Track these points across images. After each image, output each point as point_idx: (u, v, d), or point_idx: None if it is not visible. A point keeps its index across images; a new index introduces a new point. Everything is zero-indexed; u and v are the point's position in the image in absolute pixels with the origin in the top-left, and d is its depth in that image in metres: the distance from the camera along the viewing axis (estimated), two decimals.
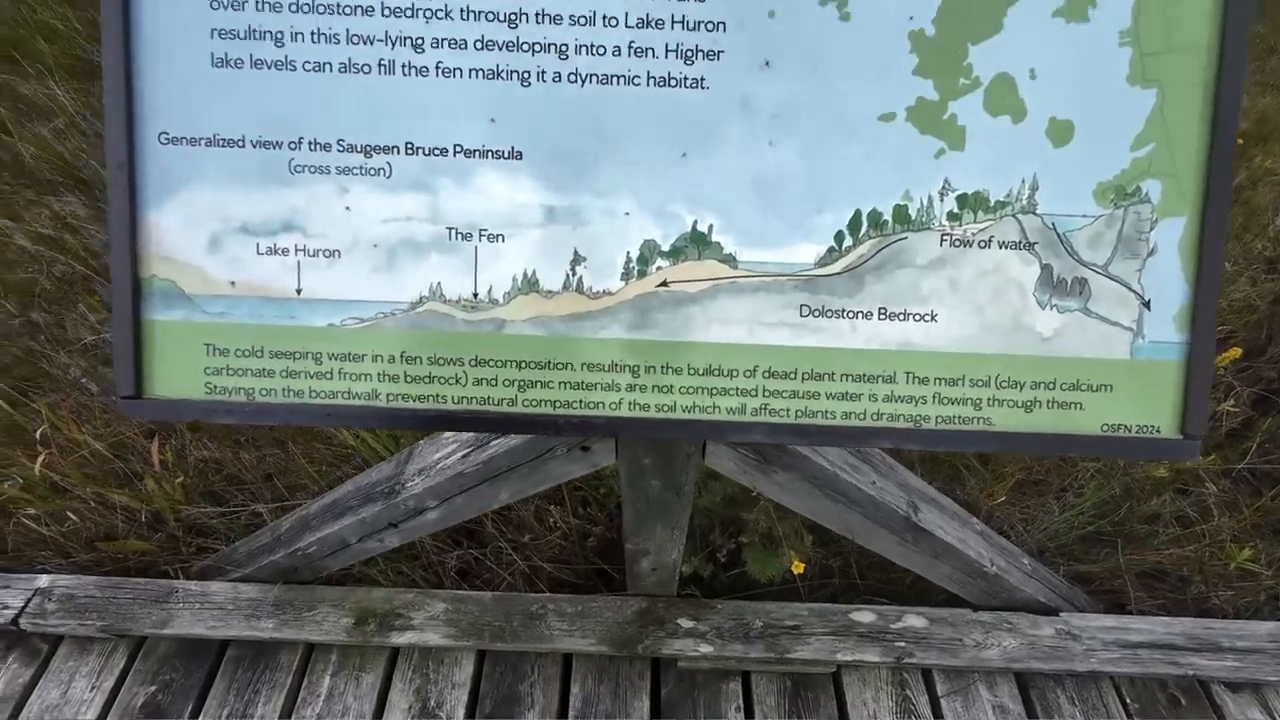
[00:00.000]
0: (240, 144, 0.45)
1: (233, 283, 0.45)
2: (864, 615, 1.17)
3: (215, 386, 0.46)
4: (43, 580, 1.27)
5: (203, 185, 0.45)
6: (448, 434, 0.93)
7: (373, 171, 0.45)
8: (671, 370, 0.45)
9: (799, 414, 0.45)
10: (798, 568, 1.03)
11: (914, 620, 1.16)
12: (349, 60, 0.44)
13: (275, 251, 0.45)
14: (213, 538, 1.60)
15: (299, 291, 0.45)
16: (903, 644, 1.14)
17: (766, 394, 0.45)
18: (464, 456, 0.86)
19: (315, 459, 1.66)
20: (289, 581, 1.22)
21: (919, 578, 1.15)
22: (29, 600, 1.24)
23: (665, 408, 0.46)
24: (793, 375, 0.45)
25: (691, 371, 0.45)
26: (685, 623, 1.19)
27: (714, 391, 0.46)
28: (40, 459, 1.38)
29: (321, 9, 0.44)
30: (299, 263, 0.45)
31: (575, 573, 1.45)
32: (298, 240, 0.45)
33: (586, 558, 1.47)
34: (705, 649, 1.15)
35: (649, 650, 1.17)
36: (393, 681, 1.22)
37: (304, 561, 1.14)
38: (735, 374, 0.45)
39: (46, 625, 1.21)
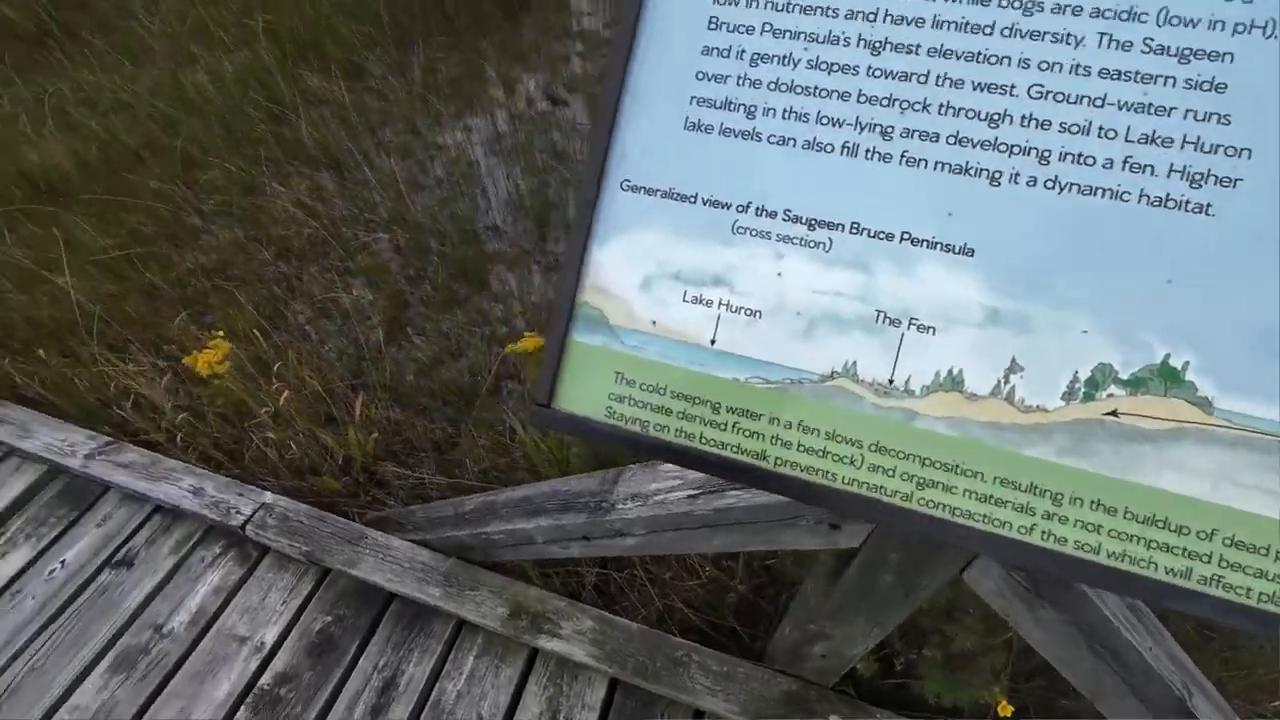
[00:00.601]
0: (692, 200, 0.48)
1: (654, 322, 0.48)
2: None
3: (615, 412, 0.49)
4: (268, 497, 1.46)
5: (648, 231, 0.49)
6: (668, 466, 0.94)
7: (812, 244, 0.46)
8: (1103, 509, 0.41)
9: (1263, 598, 0.38)
10: (1004, 710, 0.90)
11: None
12: (813, 139, 0.46)
13: (700, 301, 0.47)
14: (384, 491, 1.76)
15: (713, 342, 0.47)
16: None
17: (1224, 564, 0.39)
18: (691, 497, 0.86)
19: (478, 443, 1.78)
20: (461, 558, 1.31)
21: None
22: (255, 511, 1.43)
23: (1086, 547, 0.41)
24: (1264, 551, 0.39)
25: (1129, 516, 0.41)
26: None
27: (1153, 545, 0.40)
28: (284, 395, 1.60)
29: (799, 90, 0.46)
30: (719, 316, 0.47)
31: (710, 625, 1.40)
32: (724, 295, 0.47)
33: (722, 613, 1.42)
34: None
35: None
36: (528, 683, 1.24)
37: (485, 544, 1.21)
38: (1186, 532, 0.40)
39: (264, 536, 1.39)
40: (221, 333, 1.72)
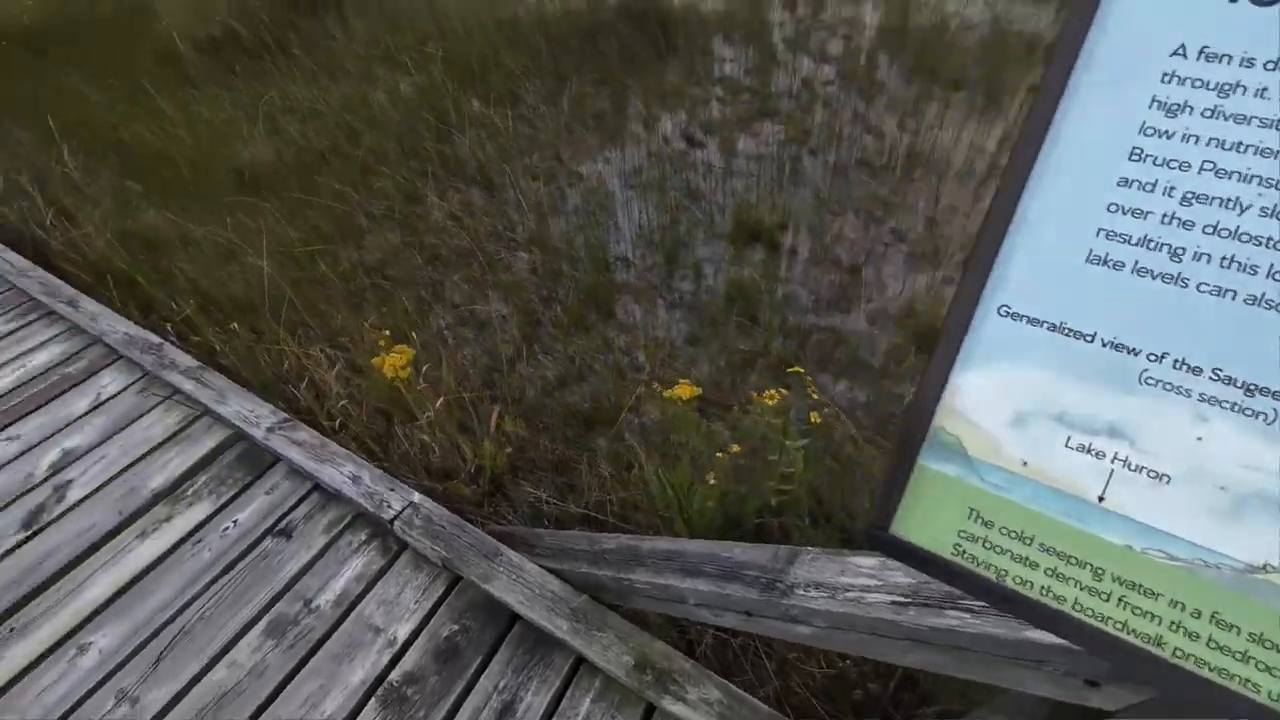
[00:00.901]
0: (1089, 339, 0.44)
1: (1025, 462, 0.44)
2: None
3: (964, 551, 0.45)
4: (415, 496, 1.52)
5: (1027, 364, 0.45)
6: (860, 560, 0.88)
7: (1249, 412, 0.40)
8: None
9: None
10: None
11: None
12: (1261, 295, 0.41)
13: (1088, 451, 0.43)
14: (507, 504, 1.79)
15: (1101, 499, 0.42)
16: None
17: None
18: (898, 606, 0.79)
19: (598, 472, 1.78)
20: (593, 596, 1.29)
21: None
22: (404, 509, 1.49)
23: None
24: None
25: None
26: None
27: None
28: (440, 400, 1.68)
29: (1245, 238, 0.41)
30: (1112, 471, 0.42)
31: (831, 715, 1.30)
32: (1121, 449, 0.42)
33: (844, 707, 1.31)
34: None
35: None
36: None
37: (624, 589, 1.19)
38: None
39: (409, 534, 1.44)
40: (388, 331, 1.84)
